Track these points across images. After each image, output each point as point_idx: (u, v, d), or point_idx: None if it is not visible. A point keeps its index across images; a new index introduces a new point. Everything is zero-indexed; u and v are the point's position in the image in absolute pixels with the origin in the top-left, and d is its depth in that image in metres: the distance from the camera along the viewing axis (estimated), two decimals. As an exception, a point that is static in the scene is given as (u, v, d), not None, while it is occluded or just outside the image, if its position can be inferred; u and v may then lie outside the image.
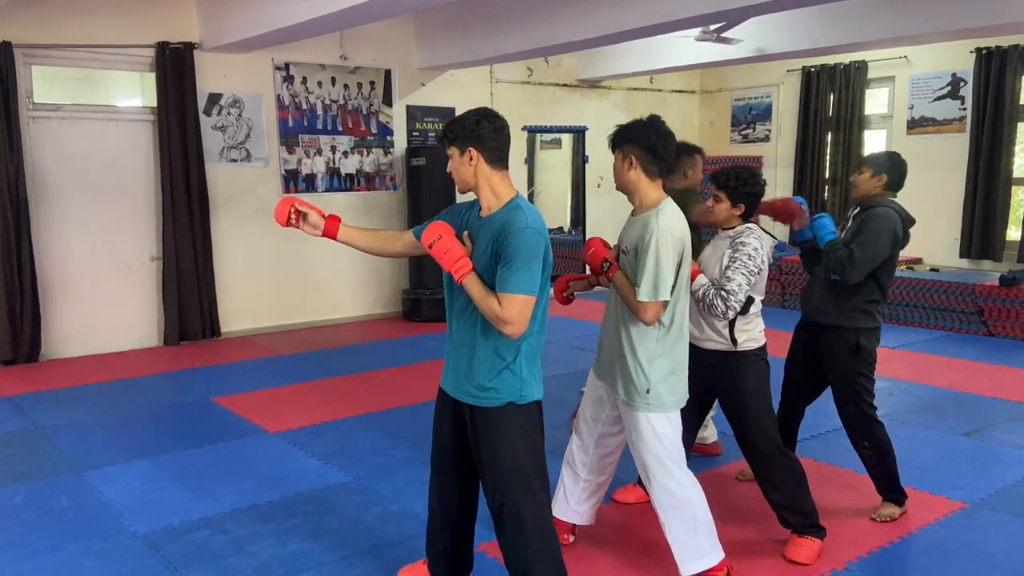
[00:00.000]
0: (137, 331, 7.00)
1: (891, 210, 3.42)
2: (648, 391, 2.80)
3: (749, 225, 3.23)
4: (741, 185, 3.18)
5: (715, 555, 2.89)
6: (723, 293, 3.05)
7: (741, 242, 3.13)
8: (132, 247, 6.95)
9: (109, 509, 3.71)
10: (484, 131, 2.46)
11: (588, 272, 3.14)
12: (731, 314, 3.07)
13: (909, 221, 3.49)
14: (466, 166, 2.48)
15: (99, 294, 6.78)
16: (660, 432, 2.83)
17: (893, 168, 3.51)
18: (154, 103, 6.86)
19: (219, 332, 7.26)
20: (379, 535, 3.42)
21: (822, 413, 4.54)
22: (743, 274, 3.07)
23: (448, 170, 2.56)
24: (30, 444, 4.61)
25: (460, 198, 2.83)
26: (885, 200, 3.48)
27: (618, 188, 2.95)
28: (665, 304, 2.77)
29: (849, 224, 3.52)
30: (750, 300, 3.13)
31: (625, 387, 2.85)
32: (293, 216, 2.65)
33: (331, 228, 2.68)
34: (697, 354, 3.22)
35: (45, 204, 6.50)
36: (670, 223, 2.75)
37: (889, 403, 4.63)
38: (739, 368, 3.18)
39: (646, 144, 2.81)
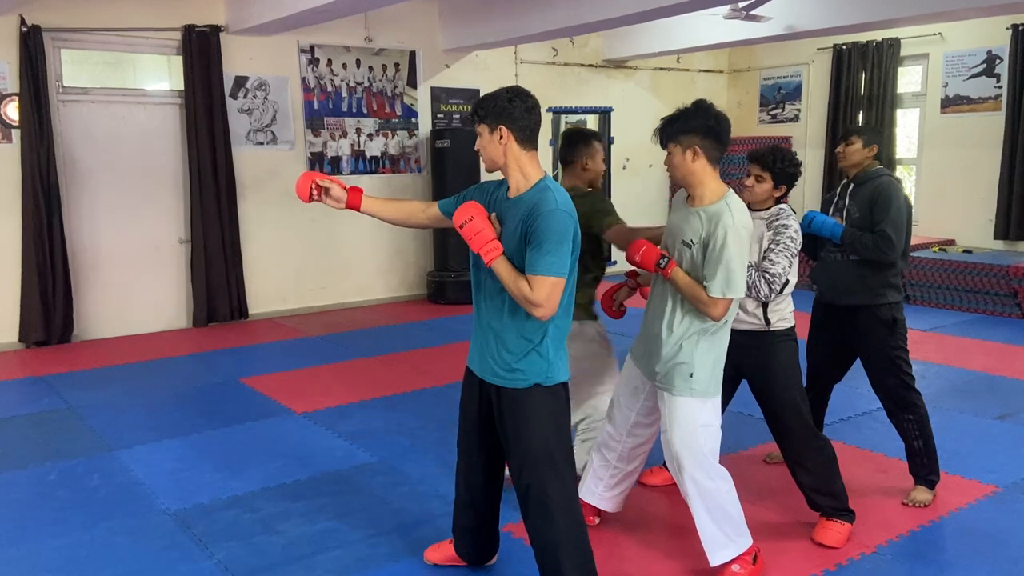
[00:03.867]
0: (166, 313, 7.09)
1: (891, 178, 3.42)
2: (692, 375, 2.74)
3: (783, 206, 3.20)
4: (789, 166, 3.15)
5: (743, 543, 2.86)
6: (767, 276, 3.03)
7: (783, 224, 3.10)
8: (161, 229, 7.02)
9: (140, 487, 3.77)
10: (516, 109, 2.44)
11: (630, 276, 3.14)
12: (773, 296, 3.06)
13: (899, 183, 3.51)
14: (495, 144, 2.46)
15: (129, 276, 6.86)
16: (702, 422, 2.77)
17: (882, 138, 3.54)
18: (181, 86, 6.90)
19: (247, 314, 7.32)
20: (405, 515, 3.44)
21: (852, 396, 4.50)
22: (786, 257, 3.06)
23: (476, 148, 2.53)
24: (63, 423, 4.69)
25: (485, 179, 2.81)
26: (879, 170, 3.46)
27: (675, 180, 2.84)
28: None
29: (847, 202, 3.45)
30: (785, 282, 3.10)
31: (668, 372, 2.78)
32: (315, 191, 2.64)
33: (354, 200, 2.67)
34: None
35: (75, 187, 6.58)
36: (743, 218, 2.67)
37: (921, 386, 4.54)
38: (771, 348, 3.16)
39: (707, 131, 2.68)
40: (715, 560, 2.85)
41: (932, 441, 3.46)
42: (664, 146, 2.79)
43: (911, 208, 3.43)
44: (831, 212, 3.54)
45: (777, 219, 3.14)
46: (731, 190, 2.76)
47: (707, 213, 2.70)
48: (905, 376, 3.41)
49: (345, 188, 2.66)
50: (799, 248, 3.13)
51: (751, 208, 3.21)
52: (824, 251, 3.52)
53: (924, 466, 3.47)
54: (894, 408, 3.46)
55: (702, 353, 2.75)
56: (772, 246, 3.08)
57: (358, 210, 2.68)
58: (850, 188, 3.48)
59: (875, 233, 3.31)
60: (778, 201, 3.21)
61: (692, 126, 2.70)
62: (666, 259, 2.76)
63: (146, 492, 3.72)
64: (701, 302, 2.68)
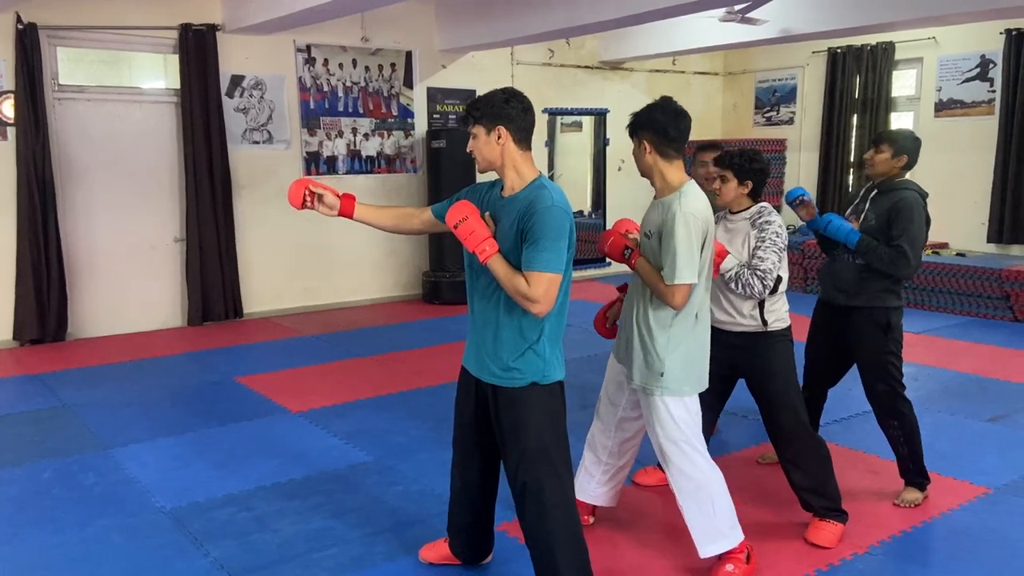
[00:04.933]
0: (161, 311, 7.08)
1: (915, 193, 3.38)
2: (662, 374, 2.77)
3: (764, 204, 3.22)
4: (747, 162, 3.18)
5: (734, 537, 2.88)
6: (758, 272, 3.06)
7: (765, 221, 3.14)
8: (156, 228, 7.01)
9: (135, 485, 3.77)
10: (513, 110, 2.45)
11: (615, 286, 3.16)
12: (766, 293, 3.08)
13: (925, 197, 3.45)
14: (492, 145, 2.47)
15: (124, 275, 6.85)
16: (676, 417, 2.81)
17: (915, 150, 3.45)
18: (177, 85, 6.89)
19: (242, 313, 7.32)
20: (400, 513, 3.45)
21: (845, 398, 4.52)
22: (774, 252, 3.09)
23: (468, 149, 2.54)
24: (58, 421, 4.68)
25: (480, 179, 2.82)
26: (905, 182, 3.43)
27: (641, 174, 2.92)
28: (692, 287, 2.74)
29: (867, 207, 3.46)
30: (778, 279, 3.13)
31: (640, 372, 2.83)
32: (308, 198, 2.64)
33: (347, 207, 2.67)
34: (724, 337, 3.22)
35: (70, 185, 6.57)
36: (692, 205, 2.72)
37: (914, 388, 4.63)
38: (768, 348, 3.18)
39: (656, 126, 2.78)
40: (705, 552, 2.86)
41: (919, 448, 3.47)
42: (631, 140, 2.89)
43: (929, 226, 3.39)
44: (848, 213, 3.56)
45: (760, 216, 3.17)
46: (691, 181, 2.82)
47: (663, 203, 2.78)
48: (894, 383, 3.41)
49: (338, 195, 2.66)
50: (786, 243, 3.16)
51: (732, 212, 3.25)
52: (837, 250, 3.52)
53: (910, 471, 3.49)
54: (880, 414, 3.48)
55: (671, 352, 2.78)
56: (759, 243, 3.12)
57: (351, 218, 2.68)
58: (873, 194, 3.48)
59: (892, 247, 3.29)
60: (753, 200, 3.23)
61: (642, 122, 2.80)
62: (630, 250, 2.83)
63: (141, 490, 3.72)
64: (660, 292, 2.74)
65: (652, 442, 2.91)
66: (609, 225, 9.58)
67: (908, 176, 3.51)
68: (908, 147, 3.41)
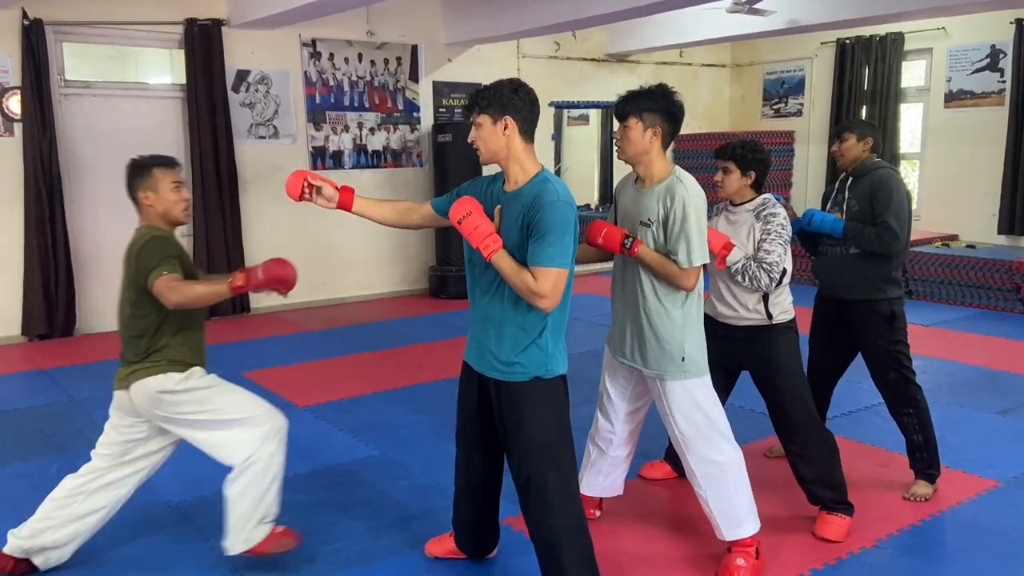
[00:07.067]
0: (168, 307, 7.08)
1: (889, 170, 3.43)
2: (684, 359, 2.77)
3: (767, 196, 3.20)
4: (749, 152, 3.15)
5: (753, 524, 2.87)
6: (765, 265, 3.04)
7: (771, 213, 3.11)
8: (163, 223, 7.02)
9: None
10: (520, 101, 2.43)
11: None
12: (774, 286, 3.06)
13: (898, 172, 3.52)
14: (498, 136, 2.44)
15: (131, 270, 6.86)
16: (700, 399, 2.80)
17: (877, 131, 3.53)
18: (183, 80, 6.90)
19: (248, 308, 7.33)
20: (406, 508, 3.44)
21: (854, 390, 4.49)
22: (780, 244, 3.07)
23: (470, 139, 2.50)
24: (66, 416, 4.70)
25: (486, 172, 2.80)
26: (877, 162, 3.47)
27: (627, 157, 2.83)
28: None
29: (847, 195, 3.45)
30: (783, 272, 3.10)
31: (657, 360, 2.80)
32: (306, 190, 2.63)
33: (345, 200, 2.65)
34: (728, 331, 3.20)
35: (77, 180, 6.58)
36: (695, 188, 2.74)
37: (923, 381, 4.59)
38: (774, 341, 3.16)
39: (670, 115, 2.76)
40: (731, 536, 2.85)
41: (932, 435, 3.45)
42: (623, 118, 2.79)
43: (911, 200, 3.44)
44: (829, 207, 3.55)
45: (763, 208, 3.15)
46: (678, 166, 2.80)
47: (661, 190, 2.75)
48: (905, 370, 3.41)
49: (337, 188, 2.65)
50: (791, 235, 3.14)
51: (733, 203, 3.22)
52: (824, 244, 3.52)
53: (924, 460, 3.47)
54: (894, 402, 3.46)
55: (689, 334, 2.78)
56: (764, 236, 3.09)
57: (349, 211, 2.66)
58: (849, 182, 3.49)
59: (877, 225, 3.31)
60: (756, 191, 3.21)
61: (659, 106, 2.75)
62: (631, 239, 2.78)
63: (148, 484, 3.68)
64: (673, 275, 2.72)
65: (669, 431, 2.88)
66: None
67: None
68: (870, 130, 3.49)
